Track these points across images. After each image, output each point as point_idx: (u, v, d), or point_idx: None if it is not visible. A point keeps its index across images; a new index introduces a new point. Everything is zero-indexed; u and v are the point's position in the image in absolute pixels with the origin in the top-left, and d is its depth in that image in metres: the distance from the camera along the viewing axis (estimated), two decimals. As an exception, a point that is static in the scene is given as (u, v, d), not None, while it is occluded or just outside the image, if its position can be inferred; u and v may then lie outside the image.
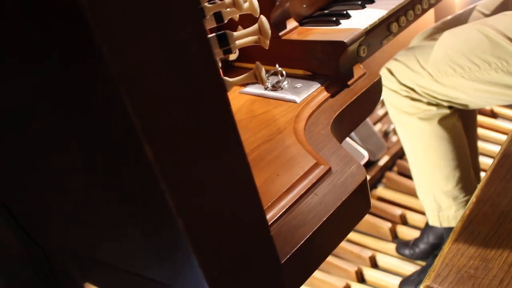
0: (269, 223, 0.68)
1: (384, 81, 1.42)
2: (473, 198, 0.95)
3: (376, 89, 1.02)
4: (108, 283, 0.99)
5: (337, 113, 0.91)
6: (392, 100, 1.45)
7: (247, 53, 1.11)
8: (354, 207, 0.76)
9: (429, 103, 1.39)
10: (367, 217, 1.82)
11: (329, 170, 0.76)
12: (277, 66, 1.02)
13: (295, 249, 0.65)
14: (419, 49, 1.38)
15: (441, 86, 1.32)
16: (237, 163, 0.52)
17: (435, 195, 1.51)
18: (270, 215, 0.69)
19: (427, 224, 1.67)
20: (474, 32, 1.27)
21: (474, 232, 0.88)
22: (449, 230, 1.56)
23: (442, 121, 1.40)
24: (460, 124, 1.47)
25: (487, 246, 0.85)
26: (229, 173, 0.51)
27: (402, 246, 1.75)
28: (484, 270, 0.81)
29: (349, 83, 0.99)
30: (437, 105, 1.39)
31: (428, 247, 1.67)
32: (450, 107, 1.41)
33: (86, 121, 0.51)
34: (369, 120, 2.07)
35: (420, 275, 1.60)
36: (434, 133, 1.42)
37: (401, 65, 1.38)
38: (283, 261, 0.63)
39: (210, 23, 0.80)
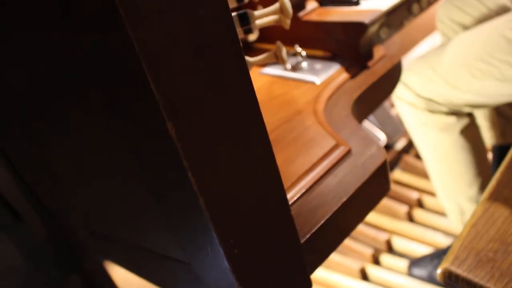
0: (289, 203, 0.68)
1: (400, 95, 1.38)
2: (493, 181, 0.94)
3: (396, 70, 1.01)
4: (127, 261, 1.00)
5: (357, 95, 0.91)
6: (409, 113, 1.40)
7: (266, 34, 1.11)
8: (374, 189, 0.75)
9: (449, 113, 1.34)
10: (384, 200, 1.81)
11: (349, 151, 0.76)
12: (296, 46, 1.01)
13: (315, 229, 0.65)
14: (432, 57, 1.32)
15: (460, 92, 1.27)
16: (258, 141, 0.52)
17: (457, 201, 1.46)
18: (290, 195, 0.69)
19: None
20: (490, 34, 1.23)
21: (493, 216, 0.87)
22: None
23: (463, 131, 1.36)
24: (479, 130, 1.43)
25: (507, 230, 0.85)
26: (250, 152, 0.51)
27: (415, 265, 1.65)
28: (503, 254, 0.81)
29: (369, 64, 0.98)
30: (457, 114, 1.34)
31: None
32: (469, 115, 1.36)
33: (108, 98, 0.51)
34: (386, 103, 2.05)
35: (433, 260, 1.59)
36: (454, 144, 1.37)
37: (416, 77, 1.33)
38: (303, 241, 0.63)
39: (231, 3, 0.80)
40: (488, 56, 1.19)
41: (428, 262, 1.59)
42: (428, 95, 1.31)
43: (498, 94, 1.23)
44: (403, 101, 1.38)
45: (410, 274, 1.63)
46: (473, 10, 1.43)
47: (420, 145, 1.45)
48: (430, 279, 1.57)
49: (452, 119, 1.34)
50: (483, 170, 1.43)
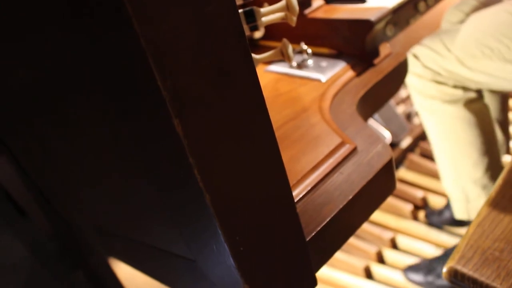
0: (295, 201, 0.67)
1: (409, 67, 1.36)
2: (499, 180, 0.93)
3: (402, 68, 1.01)
4: (132, 258, 1.00)
5: (363, 93, 0.90)
6: (416, 84, 1.40)
7: (271, 31, 1.10)
8: (379, 187, 0.75)
9: (455, 86, 1.34)
10: (389, 198, 1.80)
11: (355, 149, 0.76)
12: (302, 44, 1.01)
13: (321, 226, 0.65)
14: (445, 33, 1.32)
15: (469, 71, 1.26)
16: (264, 138, 0.52)
17: (463, 185, 1.46)
18: (296, 193, 0.69)
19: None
20: (503, 14, 1.22)
21: (499, 215, 0.87)
22: None
23: (468, 104, 1.36)
24: (488, 108, 1.42)
25: (513, 229, 0.84)
26: (256, 149, 0.51)
27: (431, 214, 1.76)
28: (509, 253, 0.80)
29: (375, 62, 0.98)
30: (463, 88, 1.34)
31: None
32: (477, 91, 1.36)
33: (115, 95, 0.51)
34: (392, 101, 2.05)
35: (432, 263, 1.59)
36: (459, 117, 1.37)
37: (426, 49, 1.33)
38: (308, 239, 0.63)
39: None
40: (500, 35, 1.19)
41: (424, 266, 1.59)
42: (435, 68, 1.32)
43: (504, 77, 1.23)
44: (411, 73, 1.38)
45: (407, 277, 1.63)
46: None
47: (426, 120, 1.45)
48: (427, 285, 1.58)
49: (458, 91, 1.34)
50: (490, 149, 1.42)
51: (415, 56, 1.35)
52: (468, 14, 1.38)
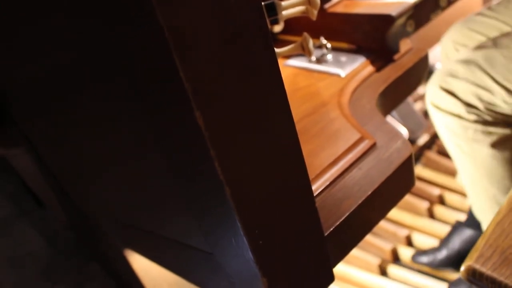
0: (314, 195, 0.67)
1: (441, 105, 1.18)
2: (519, 179, 0.92)
3: (422, 64, 1.00)
4: (148, 250, 1.01)
5: (382, 88, 0.90)
6: (453, 127, 1.18)
7: (291, 25, 1.10)
8: (398, 183, 0.75)
9: (505, 124, 1.14)
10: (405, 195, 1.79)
11: (374, 144, 0.75)
12: (321, 38, 1.00)
13: (339, 222, 0.64)
14: (485, 58, 1.11)
15: None
16: (285, 132, 0.51)
17: (494, 211, 1.28)
18: (314, 188, 0.69)
19: (450, 233, 1.56)
20: None
21: (519, 214, 0.86)
22: None
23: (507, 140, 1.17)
24: None
25: (533, 228, 0.83)
26: (277, 142, 0.51)
27: (419, 254, 1.62)
28: (529, 252, 0.79)
29: (395, 57, 0.97)
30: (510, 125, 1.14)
31: (452, 253, 1.51)
32: None
33: (136, 86, 0.51)
34: (409, 97, 2.03)
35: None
36: (506, 159, 1.18)
37: (464, 83, 1.12)
38: (326, 234, 0.63)
39: (258, -7, 0.79)
40: None
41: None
42: (480, 105, 1.13)
43: None
44: (445, 113, 1.18)
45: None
46: (488, 29, 1.27)
47: (463, 163, 1.26)
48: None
49: (507, 130, 1.15)
50: None
51: (449, 91, 1.15)
52: (491, 37, 1.20)
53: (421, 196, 1.85)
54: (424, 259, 1.58)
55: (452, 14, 1.47)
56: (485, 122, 1.14)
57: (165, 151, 0.55)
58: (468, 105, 1.13)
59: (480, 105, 1.12)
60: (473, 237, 1.49)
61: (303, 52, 0.78)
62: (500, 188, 1.24)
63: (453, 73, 1.15)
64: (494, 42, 1.13)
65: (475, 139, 1.17)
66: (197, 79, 0.43)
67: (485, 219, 1.36)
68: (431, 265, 1.56)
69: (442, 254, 1.54)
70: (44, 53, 0.65)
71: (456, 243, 1.51)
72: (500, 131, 1.14)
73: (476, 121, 1.15)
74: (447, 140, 1.25)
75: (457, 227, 1.55)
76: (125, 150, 0.67)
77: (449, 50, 1.37)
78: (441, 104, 1.18)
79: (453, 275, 1.55)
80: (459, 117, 1.16)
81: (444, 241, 1.57)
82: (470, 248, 1.38)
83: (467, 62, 1.14)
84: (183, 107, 0.44)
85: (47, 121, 0.85)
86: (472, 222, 1.50)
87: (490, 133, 1.15)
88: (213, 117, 0.45)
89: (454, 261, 1.52)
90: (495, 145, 1.16)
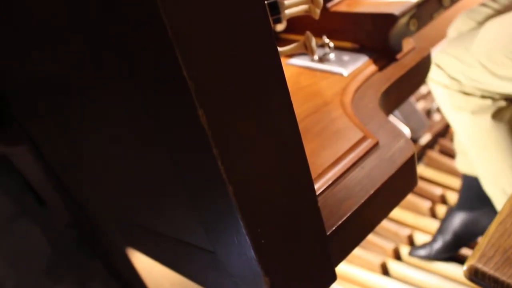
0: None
1: (433, 76, 1.32)
2: (522, 179, 0.92)
3: (425, 64, 1.00)
4: (150, 249, 1.01)
5: (385, 87, 0.90)
6: (443, 96, 1.32)
7: (293, 24, 1.10)
8: (401, 183, 0.74)
9: (483, 97, 1.27)
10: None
11: (377, 144, 0.75)
12: (324, 38, 1.00)
13: (341, 221, 0.64)
14: (469, 38, 1.24)
15: (498, 80, 1.18)
16: (288, 131, 0.51)
17: (504, 188, 1.38)
18: (316, 187, 0.69)
19: (442, 222, 1.60)
20: None
21: (522, 213, 0.86)
22: None
23: (497, 114, 1.28)
24: None
25: (536, 228, 0.83)
26: (279, 140, 0.51)
27: (416, 248, 1.66)
28: (531, 252, 0.79)
29: (397, 57, 0.97)
30: (492, 98, 1.27)
31: (448, 239, 1.56)
32: (506, 99, 1.28)
33: (139, 83, 0.51)
34: (412, 97, 2.03)
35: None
36: (490, 128, 1.30)
37: (450, 58, 1.26)
38: (328, 233, 0.63)
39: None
40: None
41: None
42: (461, 78, 1.26)
43: None
44: (437, 83, 1.33)
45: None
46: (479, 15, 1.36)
47: (458, 131, 1.40)
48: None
49: (487, 101, 1.27)
50: None
51: (438, 65, 1.30)
52: (480, 23, 1.32)
53: (423, 195, 1.84)
54: (421, 252, 1.62)
55: (455, 13, 1.47)
56: (465, 92, 1.28)
57: (168, 150, 0.55)
58: (451, 77, 1.27)
59: (461, 78, 1.25)
60: (465, 218, 1.54)
61: (306, 51, 0.78)
62: (495, 157, 1.35)
63: (442, 48, 1.30)
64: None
65: (460, 106, 1.31)
66: (200, 77, 0.43)
67: (492, 195, 1.43)
68: (428, 256, 1.60)
69: (438, 244, 1.58)
70: (44, 52, 0.65)
71: (450, 228, 1.56)
72: (479, 100, 1.28)
73: (458, 91, 1.29)
74: (444, 113, 1.39)
75: (448, 214, 1.59)
76: (128, 148, 0.67)
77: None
78: (434, 77, 1.32)
79: (456, 274, 1.55)
80: (445, 86, 1.31)
81: (437, 232, 1.60)
82: (464, 230, 1.52)
83: (455, 40, 1.29)
84: (186, 106, 0.44)
85: (49, 120, 0.85)
86: (463, 204, 1.56)
87: (470, 102, 1.29)
88: (215, 115, 0.44)
89: (452, 247, 1.57)
90: (476, 112, 1.30)
